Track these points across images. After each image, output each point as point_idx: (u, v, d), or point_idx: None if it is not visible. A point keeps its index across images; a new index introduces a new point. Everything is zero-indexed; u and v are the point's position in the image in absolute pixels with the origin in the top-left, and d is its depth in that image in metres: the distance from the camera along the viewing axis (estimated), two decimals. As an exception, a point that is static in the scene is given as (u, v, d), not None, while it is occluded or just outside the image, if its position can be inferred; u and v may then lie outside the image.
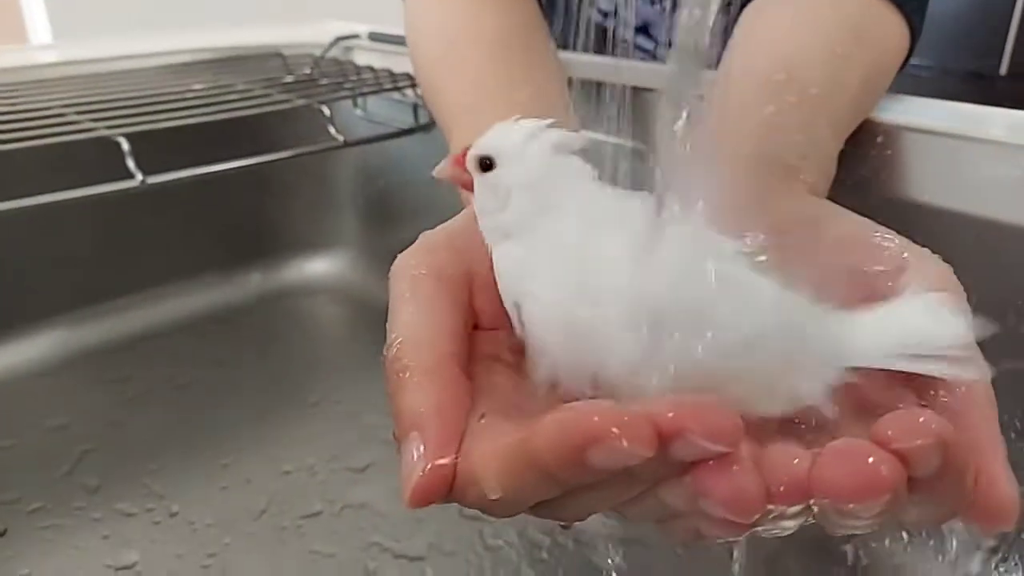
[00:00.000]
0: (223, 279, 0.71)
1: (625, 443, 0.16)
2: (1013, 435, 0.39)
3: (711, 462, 0.17)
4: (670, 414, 0.17)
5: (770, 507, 0.18)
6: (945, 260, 0.24)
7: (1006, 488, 0.19)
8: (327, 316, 0.71)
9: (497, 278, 0.24)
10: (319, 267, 0.75)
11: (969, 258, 0.39)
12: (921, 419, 0.17)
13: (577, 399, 0.21)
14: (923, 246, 0.25)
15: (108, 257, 0.66)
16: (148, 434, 0.55)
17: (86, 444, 0.53)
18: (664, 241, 0.21)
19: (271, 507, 0.49)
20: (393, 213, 0.72)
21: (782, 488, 0.17)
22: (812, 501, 0.17)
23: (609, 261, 0.21)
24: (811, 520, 0.19)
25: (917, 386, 0.22)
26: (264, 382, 0.61)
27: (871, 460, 0.16)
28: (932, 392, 0.21)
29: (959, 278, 0.24)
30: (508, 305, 0.23)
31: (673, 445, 0.17)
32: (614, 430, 0.16)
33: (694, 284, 0.20)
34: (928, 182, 0.41)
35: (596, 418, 0.16)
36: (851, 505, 0.16)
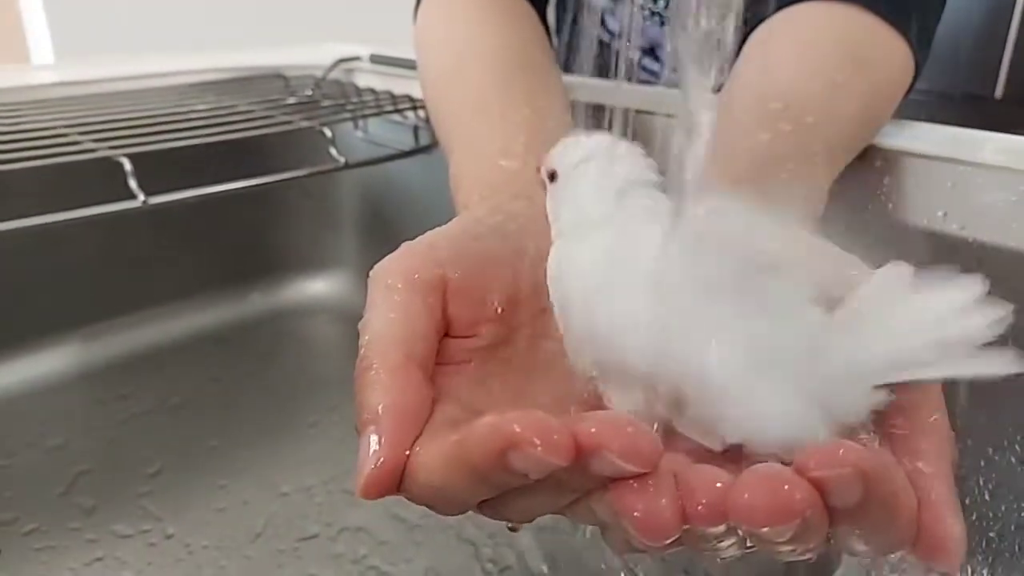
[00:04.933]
0: (222, 298, 0.71)
1: (540, 451, 0.17)
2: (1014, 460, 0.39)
3: (630, 481, 0.18)
4: (592, 429, 0.17)
5: (688, 527, 0.18)
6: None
7: (949, 525, 0.19)
8: (326, 336, 0.71)
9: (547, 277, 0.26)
10: (319, 287, 0.75)
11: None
12: (841, 450, 0.17)
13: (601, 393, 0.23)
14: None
15: (107, 276, 0.66)
16: (145, 454, 0.54)
17: (83, 464, 0.53)
18: (692, 245, 0.22)
19: (268, 530, 0.49)
20: (393, 234, 0.71)
21: (699, 508, 0.18)
22: (730, 523, 0.18)
23: (637, 263, 0.23)
24: (751, 547, 0.19)
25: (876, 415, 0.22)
26: (263, 402, 0.61)
27: (786, 486, 0.17)
28: (885, 423, 0.21)
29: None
30: (552, 300, 0.25)
31: (591, 460, 0.17)
32: (533, 439, 0.17)
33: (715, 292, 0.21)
34: (925, 206, 0.41)
35: (517, 426, 0.17)
36: (765, 529, 0.17)
